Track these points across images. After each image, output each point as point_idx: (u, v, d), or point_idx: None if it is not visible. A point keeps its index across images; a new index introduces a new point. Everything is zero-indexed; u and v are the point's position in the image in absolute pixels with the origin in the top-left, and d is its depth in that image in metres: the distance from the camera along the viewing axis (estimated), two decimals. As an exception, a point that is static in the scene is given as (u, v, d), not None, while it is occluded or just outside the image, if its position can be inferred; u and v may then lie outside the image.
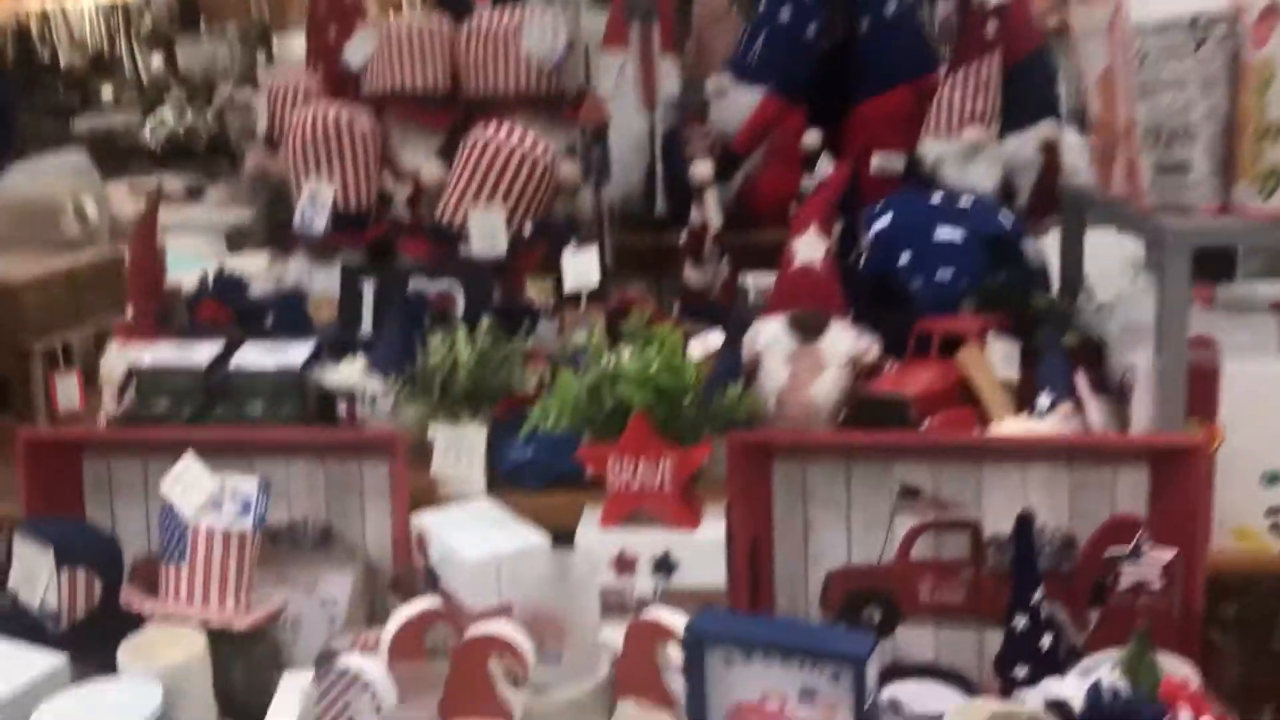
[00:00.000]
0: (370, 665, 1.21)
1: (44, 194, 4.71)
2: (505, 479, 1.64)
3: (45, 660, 1.31)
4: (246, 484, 1.46)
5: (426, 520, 1.52)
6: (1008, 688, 1.35)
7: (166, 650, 1.34)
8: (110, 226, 4.72)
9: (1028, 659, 1.34)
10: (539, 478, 1.63)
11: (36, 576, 1.43)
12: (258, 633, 1.43)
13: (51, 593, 1.42)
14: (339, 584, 1.58)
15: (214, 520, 1.44)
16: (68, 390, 2.66)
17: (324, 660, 1.44)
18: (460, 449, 1.57)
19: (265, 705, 1.34)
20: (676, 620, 1.29)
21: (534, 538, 1.46)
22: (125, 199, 5.41)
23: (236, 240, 4.88)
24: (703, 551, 1.46)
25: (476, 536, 1.46)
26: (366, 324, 1.92)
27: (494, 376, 1.58)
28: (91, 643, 1.38)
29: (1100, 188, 1.74)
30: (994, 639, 1.46)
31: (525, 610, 1.36)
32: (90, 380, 2.73)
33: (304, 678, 1.33)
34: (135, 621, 1.47)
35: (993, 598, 1.47)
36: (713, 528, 1.48)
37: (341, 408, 1.77)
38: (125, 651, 1.32)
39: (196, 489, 1.47)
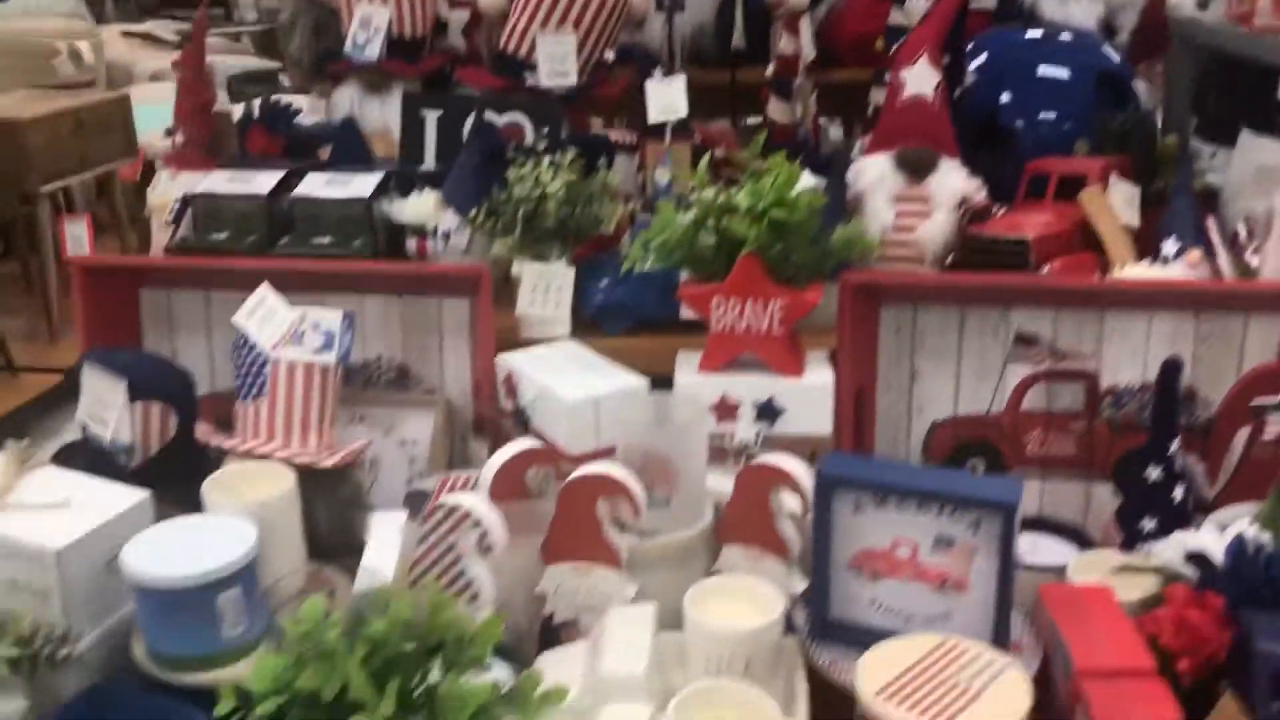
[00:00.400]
0: (481, 503, 1.15)
1: (38, 34, 4.51)
2: (590, 321, 1.55)
3: (128, 495, 1.24)
4: (329, 317, 1.38)
5: (516, 360, 1.44)
6: (1130, 541, 1.30)
7: (254, 486, 1.27)
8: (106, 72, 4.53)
9: (1157, 511, 1.28)
10: (626, 320, 1.54)
11: (108, 409, 1.36)
12: (342, 472, 1.36)
13: (124, 426, 1.35)
14: (419, 424, 1.52)
15: (295, 354, 1.36)
16: (77, 236, 2.56)
17: (414, 501, 1.39)
18: (548, 288, 1.48)
19: (349, 545, 1.29)
20: (794, 465, 1.22)
21: (632, 379, 1.39)
22: (117, 42, 5.19)
23: (237, 90, 4.70)
24: (808, 398, 1.38)
25: (572, 378, 1.38)
26: (430, 157, 1.81)
27: (582, 212, 1.48)
28: (165, 478, 1.31)
29: (1233, 21, 1.61)
30: (1101, 492, 1.41)
31: (628, 453, 1.29)
32: (97, 230, 2.63)
33: (398, 516, 1.27)
34: (209, 458, 1.40)
35: (1105, 450, 1.41)
36: (817, 374, 1.41)
37: (411, 244, 1.67)
38: (212, 487, 1.26)
39: (274, 322, 1.38)
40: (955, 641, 1.03)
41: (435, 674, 0.93)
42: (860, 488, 1.13)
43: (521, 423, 1.43)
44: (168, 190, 1.83)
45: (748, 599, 1.15)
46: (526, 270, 1.47)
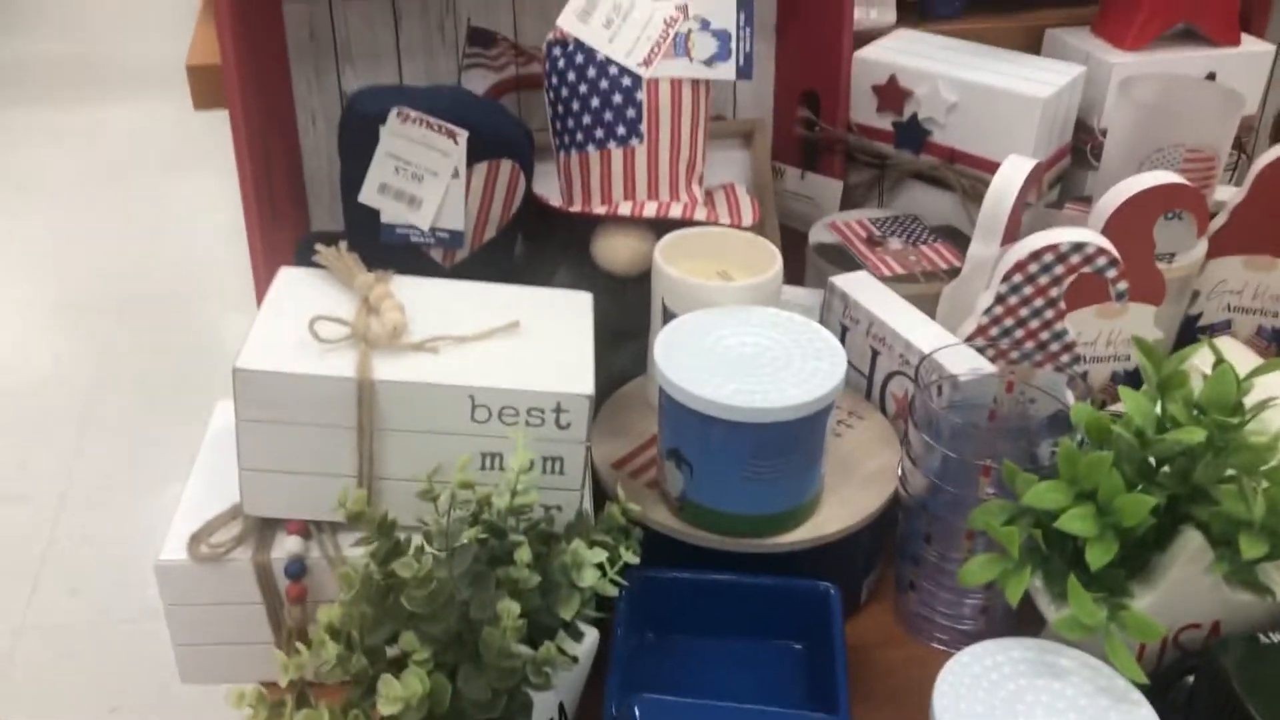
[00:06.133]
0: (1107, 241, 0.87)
1: None
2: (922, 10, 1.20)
3: (573, 300, 0.84)
4: (718, 8, 0.96)
5: (895, 55, 1.09)
6: None
7: (698, 268, 0.90)
8: None
9: None
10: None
11: (422, 181, 0.90)
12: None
13: (455, 202, 0.91)
14: (724, 161, 1.15)
15: (680, 70, 0.95)
16: None
17: (825, 252, 1.06)
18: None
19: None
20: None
21: (1067, 65, 1.09)
22: None
23: None
24: (1249, 71, 1.15)
25: (997, 69, 1.07)
26: None
27: None
28: (496, 274, 0.91)
29: None
30: None
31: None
32: None
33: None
34: (546, 230, 0.99)
35: None
36: (1248, 42, 1.17)
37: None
38: (670, 260, 0.87)
39: (633, 23, 0.95)
40: None
41: None
42: None
43: (912, 139, 1.11)
44: None
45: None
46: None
